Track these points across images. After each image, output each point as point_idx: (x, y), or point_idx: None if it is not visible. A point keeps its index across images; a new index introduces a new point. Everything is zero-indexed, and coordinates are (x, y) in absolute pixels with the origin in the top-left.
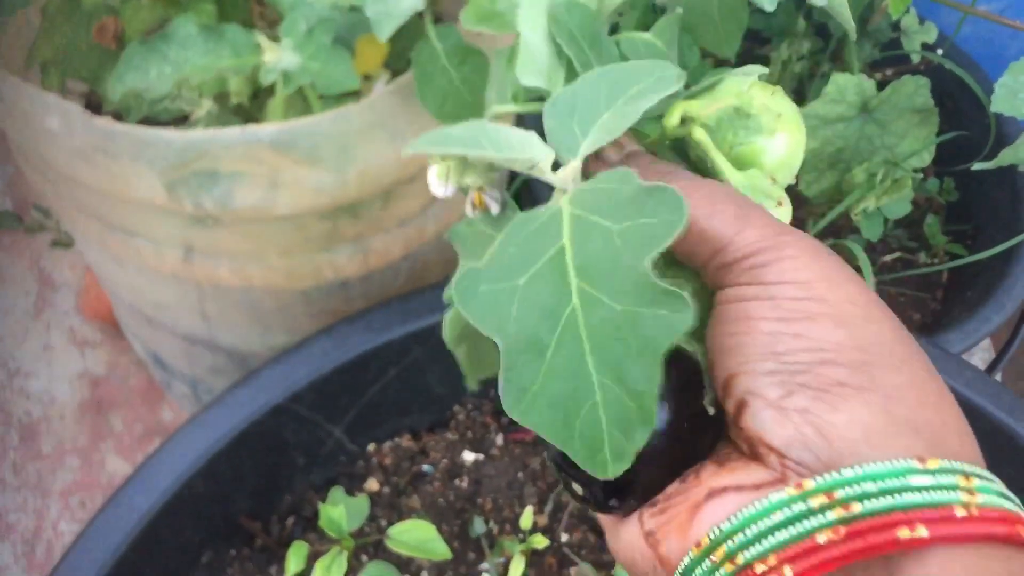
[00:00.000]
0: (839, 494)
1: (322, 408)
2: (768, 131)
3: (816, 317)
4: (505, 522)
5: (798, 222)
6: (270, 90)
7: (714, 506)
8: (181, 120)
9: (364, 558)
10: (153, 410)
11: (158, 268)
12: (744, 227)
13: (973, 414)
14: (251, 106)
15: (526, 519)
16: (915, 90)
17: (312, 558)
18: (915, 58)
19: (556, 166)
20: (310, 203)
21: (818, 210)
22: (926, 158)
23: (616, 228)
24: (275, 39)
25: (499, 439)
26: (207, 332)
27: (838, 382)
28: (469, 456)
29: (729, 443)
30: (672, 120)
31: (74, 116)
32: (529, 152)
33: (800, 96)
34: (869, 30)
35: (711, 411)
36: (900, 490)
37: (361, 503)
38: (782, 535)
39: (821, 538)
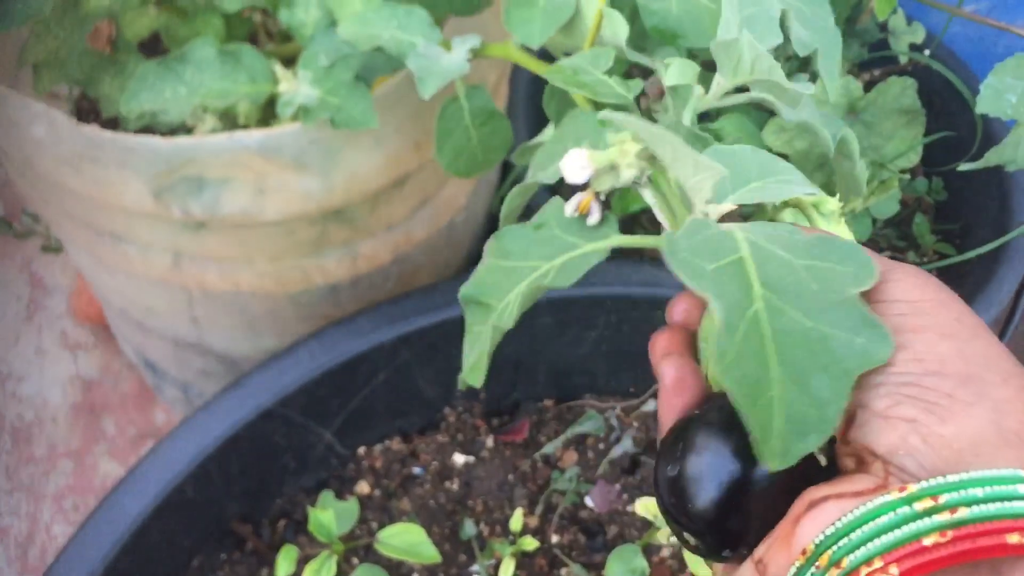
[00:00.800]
0: (944, 499)
1: (312, 412)
2: None
3: (921, 330)
4: (496, 524)
5: None
6: (272, 110)
7: (816, 515)
8: (181, 130)
9: (355, 561)
10: (145, 413)
11: (147, 274)
12: None
13: None
14: (256, 127)
15: (516, 521)
16: (901, 91)
17: (302, 562)
18: (903, 59)
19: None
20: (297, 208)
21: None
22: (913, 159)
23: (799, 263)
24: (281, 54)
25: (489, 441)
26: (197, 336)
27: (946, 394)
28: (459, 458)
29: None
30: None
31: (60, 124)
32: (697, 160)
33: None
34: (857, 30)
35: (823, 461)
36: (1008, 497)
37: (351, 507)
38: (888, 538)
39: (928, 541)
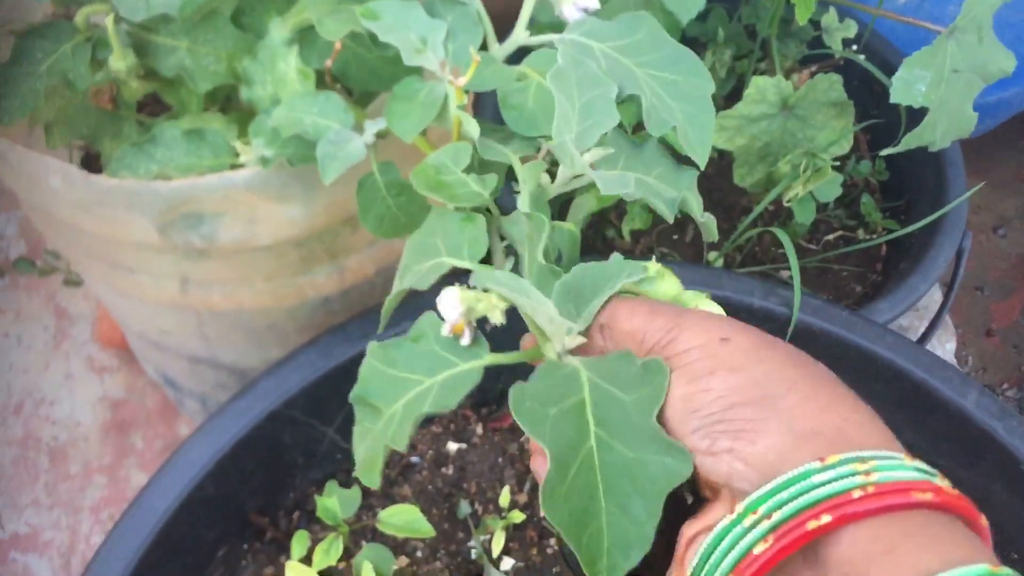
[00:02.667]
0: (762, 509)
1: (315, 412)
2: None
3: (715, 371)
4: (488, 502)
5: (742, 211)
6: None
7: (693, 550)
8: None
9: (363, 543)
10: (170, 426)
11: (159, 300)
12: (655, 319)
13: (896, 375)
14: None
15: (504, 498)
16: (829, 86)
17: (314, 545)
18: (838, 54)
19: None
20: (285, 234)
21: (760, 198)
22: (845, 146)
23: (628, 399)
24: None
25: (479, 429)
26: (209, 352)
27: (747, 419)
28: (453, 446)
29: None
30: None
31: (74, 175)
32: (550, 313)
33: (738, 95)
34: (793, 30)
35: (690, 500)
36: (807, 490)
37: (354, 493)
38: (732, 557)
39: (757, 549)
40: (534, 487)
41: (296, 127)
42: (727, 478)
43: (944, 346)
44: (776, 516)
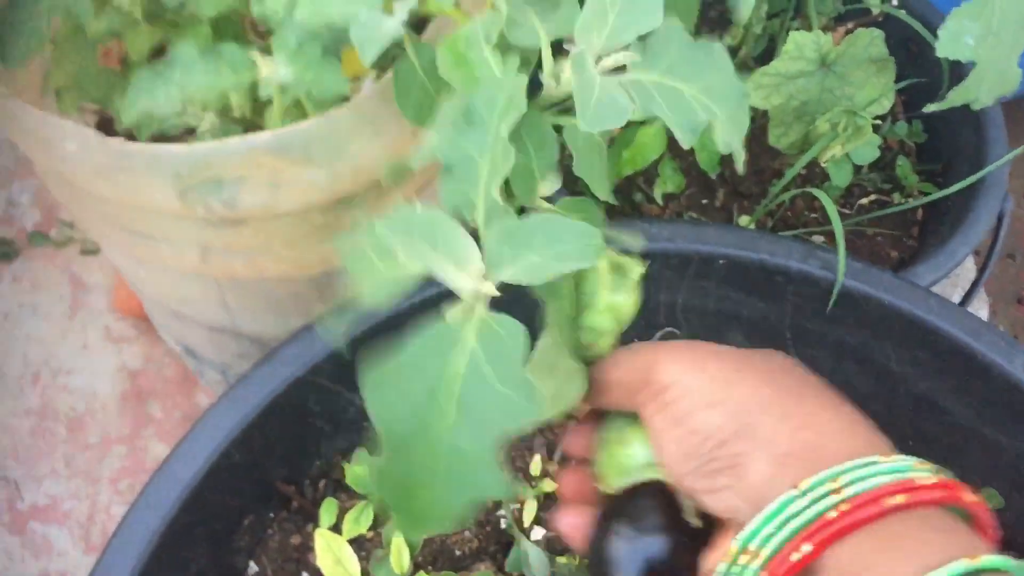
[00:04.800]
0: (752, 546)
1: (341, 378)
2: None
3: (693, 411)
4: (518, 471)
5: (772, 175)
6: (268, 100)
7: None
8: (188, 132)
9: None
10: (189, 396)
11: (179, 268)
12: (634, 358)
13: (941, 340)
14: (252, 116)
15: (535, 466)
16: (870, 42)
17: (342, 513)
18: (875, 10)
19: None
20: (309, 199)
21: (793, 160)
22: (885, 104)
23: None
24: (268, 52)
25: None
26: (230, 321)
27: (734, 454)
28: None
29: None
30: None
31: (90, 139)
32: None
33: (770, 55)
34: None
35: (699, 524)
36: (786, 522)
37: None
38: None
39: None
40: (564, 456)
41: (322, 19)
42: (730, 513)
43: (977, 314)
44: (764, 553)
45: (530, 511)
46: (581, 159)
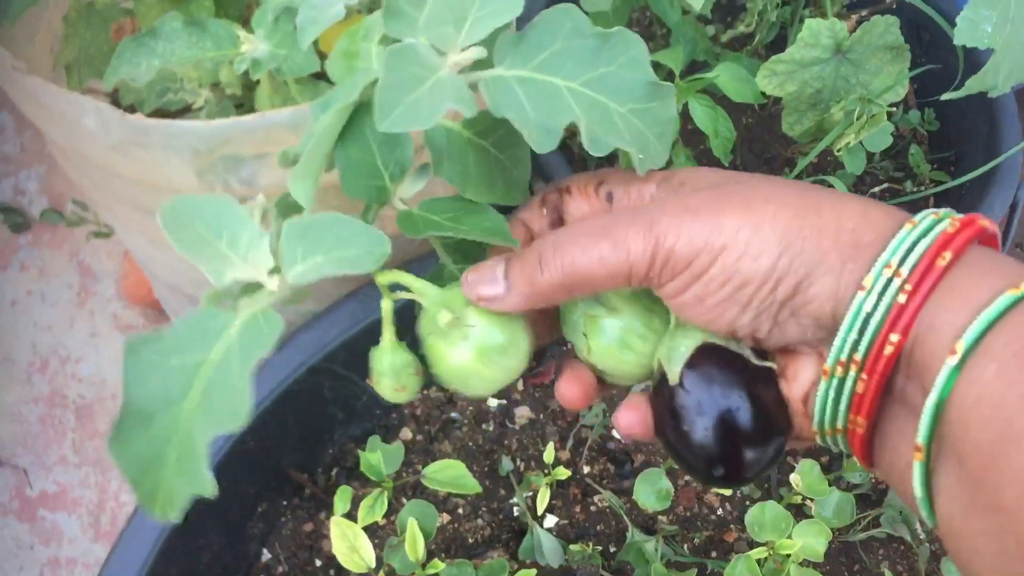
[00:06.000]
0: (843, 357)
1: (354, 366)
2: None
3: (739, 266)
4: (531, 459)
5: (784, 163)
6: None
7: (810, 406)
8: (185, 110)
9: (404, 500)
10: None
11: None
12: (628, 244)
13: None
14: (244, 95)
15: (549, 455)
16: (885, 29)
17: (356, 501)
18: None
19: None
20: (327, 178)
21: (806, 149)
22: (900, 92)
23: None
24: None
25: (520, 384)
26: None
27: (793, 286)
28: (493, 402)
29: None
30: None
31: (108, 115)
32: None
33: (782, 42)
34: None
35: (754, 359)
36: (867, 321)
37: (396, 449)
38: (844, 402)
39: (859, 388)
40: (577, 444)
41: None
42: (799, 338)
43: None
44: (857, 357)
45: (543, 498)
46: (443, 160)
